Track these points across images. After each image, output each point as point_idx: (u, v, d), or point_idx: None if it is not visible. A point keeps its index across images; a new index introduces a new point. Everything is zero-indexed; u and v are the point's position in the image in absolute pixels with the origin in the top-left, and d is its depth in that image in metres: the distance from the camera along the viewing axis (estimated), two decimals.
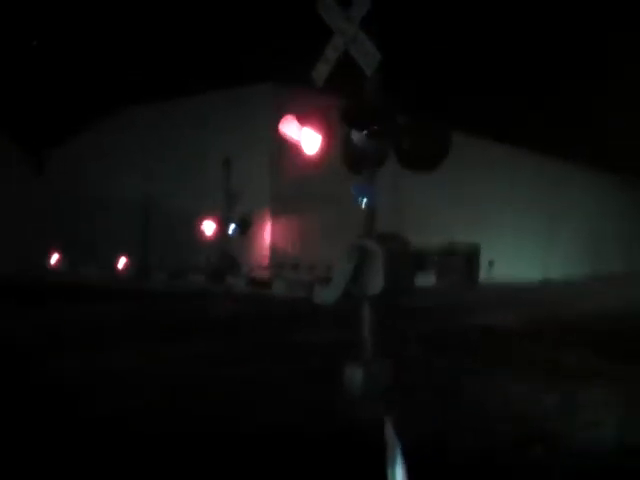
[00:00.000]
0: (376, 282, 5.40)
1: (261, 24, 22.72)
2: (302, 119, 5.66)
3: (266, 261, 21.78)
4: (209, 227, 17.46)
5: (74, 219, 27.42)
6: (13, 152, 30.33)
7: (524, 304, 16.94)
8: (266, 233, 22.03)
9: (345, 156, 5.76)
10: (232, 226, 16.20)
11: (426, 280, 5.75)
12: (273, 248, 22.06)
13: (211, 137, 22.96)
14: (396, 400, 5.46)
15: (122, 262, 23.39)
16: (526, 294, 20.89)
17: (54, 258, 25.84)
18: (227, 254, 16.32)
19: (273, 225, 22.20)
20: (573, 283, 27.51)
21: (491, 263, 19.41)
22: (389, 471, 2.40)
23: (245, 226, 16.50)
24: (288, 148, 19.64)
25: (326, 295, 5.64)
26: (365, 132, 5.24)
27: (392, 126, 5.26)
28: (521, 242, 27.49)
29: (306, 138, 5.67)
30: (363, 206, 5.73)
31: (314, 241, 21.77)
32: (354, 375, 5.64)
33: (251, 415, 5.50)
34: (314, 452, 4.50)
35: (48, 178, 30.02)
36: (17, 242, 28.47)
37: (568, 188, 34.49)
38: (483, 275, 5.74)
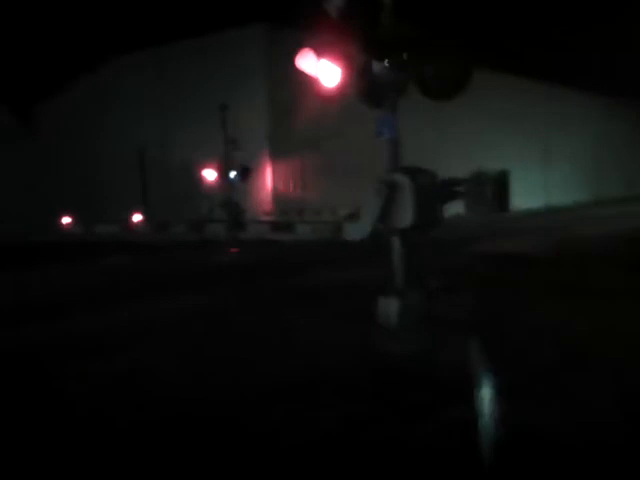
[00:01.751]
0: (406, 215, 5.36)
1: None
2: (320, 52, 5.49)
3: (269, 207, 21.66)
4: (210, 175, 17.26)
5: (75, 177, 27.20)
6: (2, 112, 29.78)
7: (547, 230, 17.17)
8: (267, 178, 21.78)
9: (363, 89, 5.62)
10: (233, 173, 16.04)
11: (456, 210, 5.69)
12: (275, 193, 21.89)
13: (206, 82, 22.48)
14: (430, 330, 5.52)
15: (136, 217, 23.51)
16: (544, 221, 21.08)
17: (65, 219, 25.96)
18: (231, 202, 16.21)
19: (273, 170, 21.89)
20: (575, 209, 27.46)
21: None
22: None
23: (245, 172, 16.34)
24: (286, 89, 19.42)
25: (357, 231, 5.63)
26: (388, 62, 5.10)
27: (416, 55, 5.11)
28: (525, 170, 26.89)
29: (325, 71, 5.52)
30: (386, 139, 5.64)
31: (316, 183, 21.57)
32: (388, 308, 5.68)
33: (289, 352, 5.64)
34: (355, 387, 4.61)
35: (43, 135, 29.55)
36: (20, 204, 28.47)
37: (569, 115, 33.77)
38: (513, 203, 5.63)
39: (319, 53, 5.51)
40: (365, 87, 5.51)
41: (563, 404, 4.07)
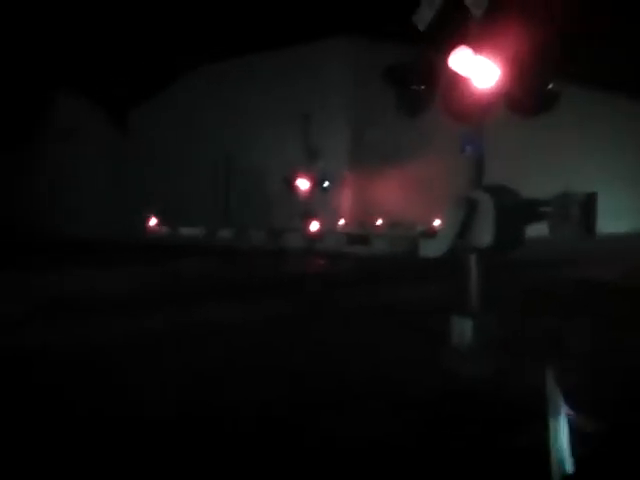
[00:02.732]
0: (485, 235, 5.22)
1: None
2: (477, 49, 5.13)
3: (347, 219, 21.58)
4: (303, 184, 17.31)
5: (163, 180, 28.14)
6: (99, 114, 31.20)
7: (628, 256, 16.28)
8: (346, 190, 21.72)
9: (523, 96, 5.26)
10: (325, 183, 16.09)
11: (540, 231, 5.48)
12: (353, 205, 21.81)
13: (289, 94, 22.75)
14: (503, 352, 5.34)
15: (218, 222, 24.02)
16: (627, 245, 20.07)
17: (152, 221, 26.83)
18: (308, 212, 16.26)
19: (352, 182, 21.81)
20: None
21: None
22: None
23: (333, 184, 16.36)
24: (368, 101, 19.31)
25: (433, 248, 5.53)
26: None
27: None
28: (613, 192, 25.60)
29: (481, 70, 5.11)
30: (470, 155, 5.52)
31: (394, 197, 21.32)
32: (461, 328, 5.54)
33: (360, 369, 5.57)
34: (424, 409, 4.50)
35: (134, 139, 30.77)
36: (111, 205, 29.70)
37: None
38: (601, 226, 5.37)
39: (476, 49, 5.11)
40: (525, 95, 5.17)
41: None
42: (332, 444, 3.84)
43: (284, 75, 23.31)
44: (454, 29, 5.12)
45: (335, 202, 21.52)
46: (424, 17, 5.19)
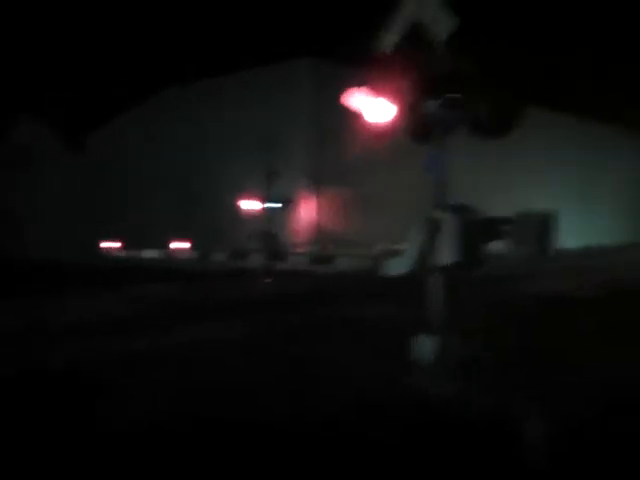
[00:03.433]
0: (448, 253, 5.30)
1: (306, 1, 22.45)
2: (371, 88, 5.48)
3: (308, 238, 21.65)
4: (251, 205, 17.31)
5: (122, 202, 27.75)
6: (57, 136, 30.69)
7: (591, 271, 16.76)
8: (308, 210, 21.82)
9: (414, 126, 5.59)
10: (274, 204, 16.13)
11: (500, 248, 5.60)
12: (314, 225, 21.89)
13: (252, 113, 22.82)
14: (465, 371, 5.40)
15: (181, 245, 23.80)
16: (585, 261, 20.56)
17: (112, 243, 26.43)
18: (269, 233, 16.26)
19: (314, 202, 21.93)
20: (614, 251, 26.73)
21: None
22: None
23: (286, 204, 16.41)
24: (328, 124, 19.54)
25: (397, 267, 5.57)
26: (441, 100, 5.08)
27: (471, 93, 5.07)
28: (567, 210, 26.42)
29: (376, 108, 5.51)
30: (433, 176, 5.61)
31: (356, 216, 21.50)
32: (424, 346, 5.58)
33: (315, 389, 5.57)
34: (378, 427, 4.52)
35: (92, 161, 30.32)
36: (69, 227, 29.11)
37: (612, 155, 33.24)
38: (558, 243, 5.53)
39: (369, 89, 5.51)
40: (416, 124, 5.48)
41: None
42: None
43: (245, 97, 23.36)
44: (413, 56, 5.30)
45: (297, 222, 21.55)
46: (388, 41, 5.30)
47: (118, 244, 26.30)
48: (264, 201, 16.45)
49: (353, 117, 6.01)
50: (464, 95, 5.11)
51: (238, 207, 17.89)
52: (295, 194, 19.51)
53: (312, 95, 21.52)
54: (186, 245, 23.87)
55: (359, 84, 5.56)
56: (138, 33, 26.17)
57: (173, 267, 20.97)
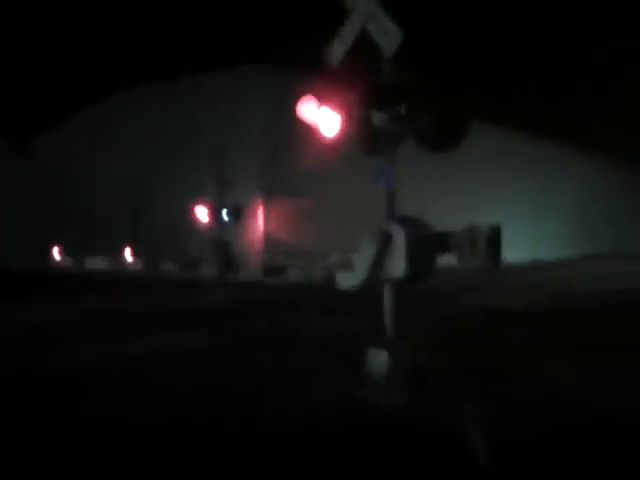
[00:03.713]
0: (398, 266, 5.32)
1: (258, 8, 22.43)
2: (320, 100, 5.50)
3: (260, 248, 21.53)
4: (202, 214, 17.07)
5: (68, 210, 27.00)
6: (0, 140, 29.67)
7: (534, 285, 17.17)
8: (259, 220, 21.71)
9: (362, 137, 5.63)
10: (225, 213, 15.95)
11: (449, 261, 5.65)
12: (266, 235, 21.80)
13: (203, 120, 22.55)
14: (415, 383, 5.42)
15: (128, 253, 23.31)
16: (531, 275, 21.10)
17: (56, 252, 25.72)
18: (221, 242, 16.10)
19: (265, 212, 21.84)
20: (562, 264, 27.49)
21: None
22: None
23: (237, 213, 16.26)
24: (280, 134, 19.52)
25: (349, 279, 5.56)
26: (387, 112, 5.11)
27: (416, 106, 5.13)
28: (516, 224, 27.06)
29: (325, 119, 5.53)
30: (382, 189, 5.64)
31: (309, 227, 21.50)
32: (375, 358, 5.59)
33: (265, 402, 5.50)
34: (335, 440, 4.48)
35: (37, 166, 29.43)
36: (11, 234, 28.12)
37: (560, 170, 34.33)
38: (505, 256, 5.61)
39: (320, 101, 5.53)
40: (364, 136, 5.51)
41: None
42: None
43: (197, 103, 23.08)
44: (360, 68, 5.35)
45: (249, 232, 21.39)
46: (336, 53, 5.32)
47: (61, 252, 25.62)
48: (216, 210, 16.25)
49: (306, 127, 6.01)
50: (409, 108, 5.16)
51: (190, 216, 17.65)
52: (247, 203, 19.35)
53: (265, 103, 21.41)
54: (135, 254, 23.41)
55: (310, 93, 5.56)
56: (87, 34, 25.55)
57: (122, 276, 20.54)
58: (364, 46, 5.23)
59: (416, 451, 4.19)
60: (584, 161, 36.17)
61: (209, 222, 16.91)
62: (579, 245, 34.61)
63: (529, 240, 30.54)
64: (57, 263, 25.43)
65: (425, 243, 5.40)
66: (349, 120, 5.49)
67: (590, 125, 30.89)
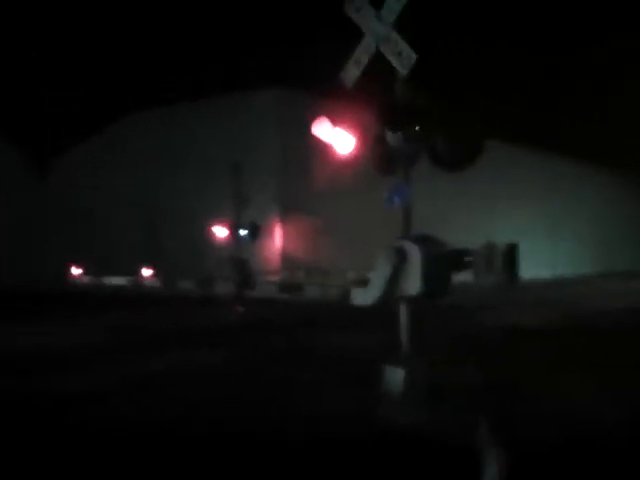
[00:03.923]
0: (414, 283, 5.35)
1: (268, 30, 22.73)
2: (335, 120, 5.60)
3: (277, 266, 21.60)
4: (220, 232, 17.15)
5: (86, 229, 27.36)
6: (16, 159, 30.08)
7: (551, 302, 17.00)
8: (276, 238, 21.85)
9: (377, 157, 5.69)
10: (242, 231, 16.03)
11: (465, 277, 5.67)
12: (283, 253, 21.90)
13: (218, 142, 22.87)
14: (433, 400, 5.42)
15: (146, 271, 23.46)
16: (548, 292, 20.90)
17: (75, 270, 25.93)
18: (239, 260, 16.15)
19: (282, 230, 21.98)
20: (580, 281, 27.17)
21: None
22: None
23: (255, 231, 16.33)
24: (296, 152, 19.75)
25: (364, 297, 5.60)
26: (401, 132, 5.18)
27: (429, 126, 5.19)
28: (533, 241, 26.77)
29: (339, 139, 5.62)
30: (397, 207, 5.69)
31: (326, 244, 21.56)
32: (392, 376, 5.59)
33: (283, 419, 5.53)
34: (352, 457, 4.49)
35: (54, 185, 29.90)
36: (27, 253, 28.40)
37: (578, 187, 34.13)
38: (523, 273, 5.62)
39: (334, 121, 5.62)
40: (378, 156, 5.58)
41: None
42: None
43: (214, 124, 23.40)
44: (374, 89, 5.44)
45: (266, 249, 21.49)
46: (351, 76, 5.41)
47: (80, 270, 25.84)
48: (233, 228, 16.34)
49: (321, 146, 6.09)
50: (423, 128, 5.22)
51: (207, 234, 17.74)
52: (264, 221, 19.47)
53: (280, 124, 21.67)
54: (152, 272, 23.56)
55: (325, 114, 5.65)
56: (104, 56, 25.95)
57: (141, 294, 20.71)
58: (377, 66, 5.32)
59: (427, 462, 4.19)
60: (603, 179, 35.96)
61: (226, 240, 16.99)
62: (597, 263, 34.29)
63: (547, 257, 30.33)
64: (75, 281, 25.69)
65: (441, 261, 5.43)
66: (363, 140, 5.57)
67: (608, 142, 30.68)
